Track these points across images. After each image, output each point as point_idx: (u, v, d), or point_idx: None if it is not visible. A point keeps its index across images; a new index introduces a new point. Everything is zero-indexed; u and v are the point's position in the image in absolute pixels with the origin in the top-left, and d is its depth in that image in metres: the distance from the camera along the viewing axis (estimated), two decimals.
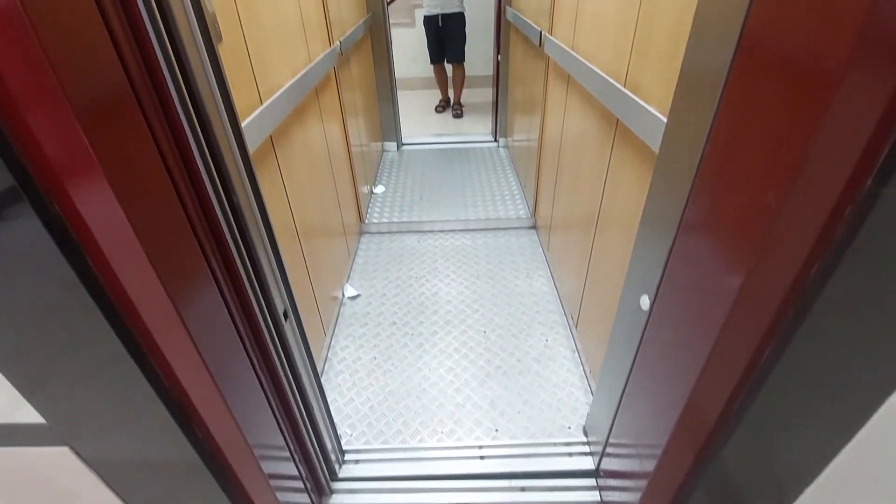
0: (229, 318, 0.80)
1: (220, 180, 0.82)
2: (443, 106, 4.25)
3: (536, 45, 2.00)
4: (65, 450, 0.78)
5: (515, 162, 2.98)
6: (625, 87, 1.09)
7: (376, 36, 2.96)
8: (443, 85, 4.15)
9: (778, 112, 0.51)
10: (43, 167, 0.50)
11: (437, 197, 2.66)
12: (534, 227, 2.40)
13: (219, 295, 0.75)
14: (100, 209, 0.53)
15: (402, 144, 3.42)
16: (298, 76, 1.38)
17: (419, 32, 4.03)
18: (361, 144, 2.50)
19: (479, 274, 2.06)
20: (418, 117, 4.17)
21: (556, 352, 1.65)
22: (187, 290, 0.65)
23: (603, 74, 1.20)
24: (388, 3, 3.10)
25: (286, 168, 1.33)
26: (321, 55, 1.66)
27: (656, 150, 0.85)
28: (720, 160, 0.63)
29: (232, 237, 0.81)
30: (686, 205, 0.72)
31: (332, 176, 1.86)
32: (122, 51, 0.58)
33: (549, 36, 1.80)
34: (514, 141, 3.05)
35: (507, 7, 2.83)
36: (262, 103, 1.13)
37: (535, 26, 2.04)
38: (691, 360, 0.72)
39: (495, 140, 3.44)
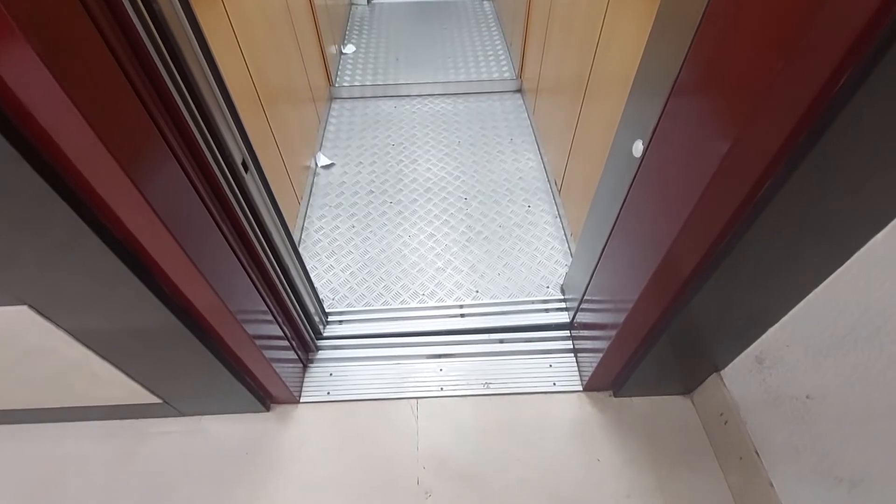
0: (182, 172, 0.71)
1: (152, 21, 0.67)
2: None
3: None
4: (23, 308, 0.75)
5: (501, 17, 2.66)
6: None
7: None
8: None
9: None
10: None
11: (413, 57, 2.40)
12: (519, 90, 2.23)
13: (166, 147, 0.66)
14: (27, 78, 0.46)
15: None
16: None
17: None
18: None
19: (460, 140, 1.95)
20: None
21: (538, 217, 1.63)
22: (133, 150, 0.57)
23: None
24: None
25: (238, 20, 1.13)
26: None
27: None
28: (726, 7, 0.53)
29: (173, 83, 0.68)
30: (687, 52, 0.62)
31: (293, 34, 1.62)
32: None
33: None
34: None
35: None
36: None
37: None
38: (677, 210, 0.68)
39: None
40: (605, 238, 1.01)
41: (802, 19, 0.43)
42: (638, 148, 0.83)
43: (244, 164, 0.85)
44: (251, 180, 0.88)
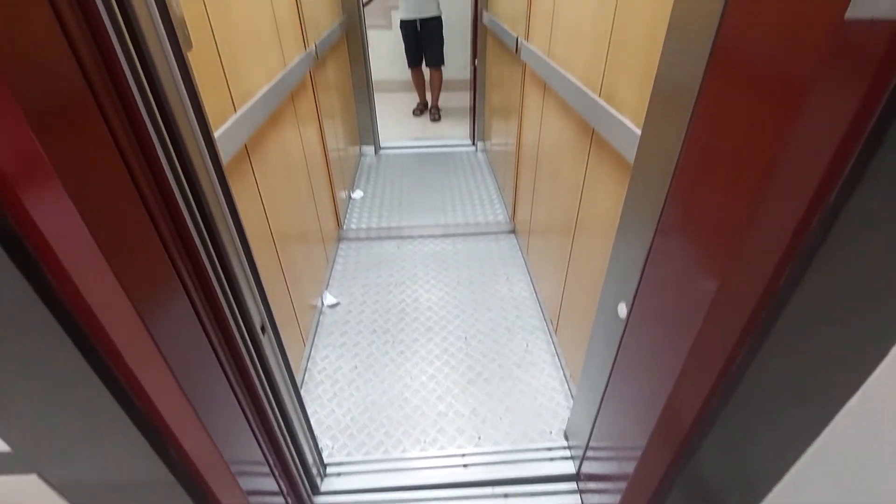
0: (202, 332, 0.78)
1: (191, 192, 0.80)
2: (420, 109, 4.25)
3: (513, 51, 2.02)
4: (33, 477, 0.74)
5: (494, 166, 2.99)
6: (600, 96, 1.10)
7: (352, 38, 2.94)
8: (420, 88, 4.14)
9: (749, 122, 0.53)
10: None
11: (416, 202, 2.65)
12: (513, 231, 2.42)
13: (190, 308, 0.73)
14: (56, 219, 0.50)
15: (380, 149, 3.40)
16: (274, 81, 1.35)
17: (396, 35, 4.01)
18: (339, 149, 2.47)
19: (459, 279, 2.06)
20: (396, 121, 4.15)
21: (536, 357, 1.66)
22: (155, 303, 0.63)
23: (578, 84, 1.22)
24: (364, 5, 3.07)
25: (261, 175, 1.31)
26: (296, 58, 1.63)
27: (632, 161, 0.87)
28: (694, 172, 0.65)
29: (205, 251, 0.79)
30: (661, 215, 0.73)
31: (309, 181, 1.83)
32: (79, 52, 0.56)
33: (525, 42, 1.82)
34: (492, 145, 3.07)
35: (484, 11, 2.85)
36: (235, 110, 1.11)
37: (511, 32, 2.06)
38: (668, 365, 0.73)
39: (473, 144, 3.45)
40: (604, 386, 1.04)
41: (758, 181, 0.51)
42: (622, 309, 0.91)
43: (262, 326, 0.92)
44: (267, 343, 0.93)
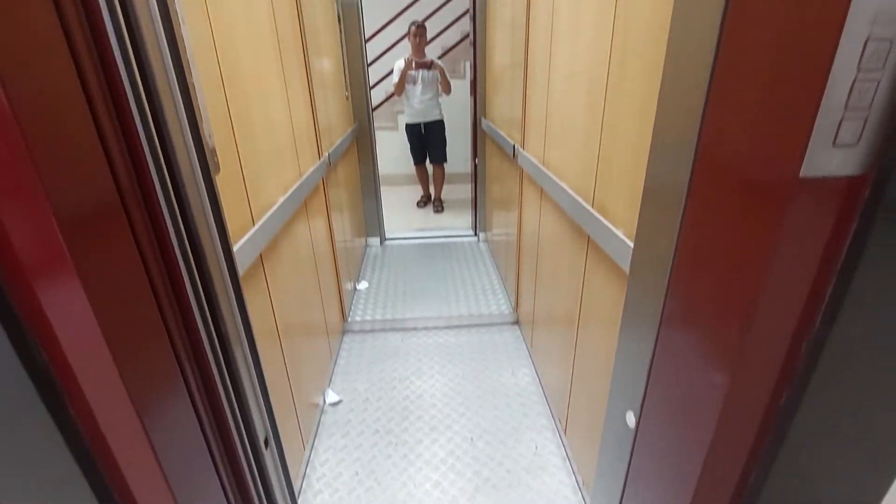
0: (204, 444, 0.77)
1: (207, 303, 0.84)
2: (424, 201, 4.45)
3: (510, 157, 2.18)
4: None
5: (496, 256, 3.08)
6: (592, 207, 1.18)
7: (362, 140, 3.17)
8: (424, 182, 4.38)
9: (736, 232, 0.56)
10: (12, 263, 0.50)
11: (420, 292, 2.69)
12: (516, 322, 2.43)
13: (194, 418, 0.73)
14: (69, 314, 0.52)
15: (386, 239, 3.52)
16: (289, 193, 1.46)
17: (401, 135, 4.34)
18: (346, 240, 2.57)
19: (463, 374, 2.04)
20: (401, 212, 4.33)
21: (546, 460, 1.59)
22: (158, 410, 0.63)
23: (572, 193, 1.31)
24: (373, 110, 3.37)
25: (273, 278, 1.36)
26: (311, 169, 1.77)
27: (627, 271, 0.92)
28: (686, 286, 0.69)
29: (215, 361, 0.81)
30: (661, 319, 0.75)
31: (316, 274, 1.89)
32: (115, 167, 0.62)
33: (521, 150, 1.98)
34: (493, 235, 3.18)
35: (482, 118, 3.11)
36: (254, 224, 1.18)
37: (508, 139, 2.24)
38: (684, 474, 0.71)
39: (475, 234, 3.57)
40: (619, 498, 0.99)
41: (753, 282, 0.53)
42: (631, 419, 0.90)
43: (266, 440, 0.91)
44: (270, 457, 0.92)
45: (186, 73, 0.82)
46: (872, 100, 0.45)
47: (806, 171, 0.48)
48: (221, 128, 1.04)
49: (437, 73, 3.64)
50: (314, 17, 2.02)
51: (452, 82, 3.82)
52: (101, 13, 0.62)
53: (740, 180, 0.55)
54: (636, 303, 0.85)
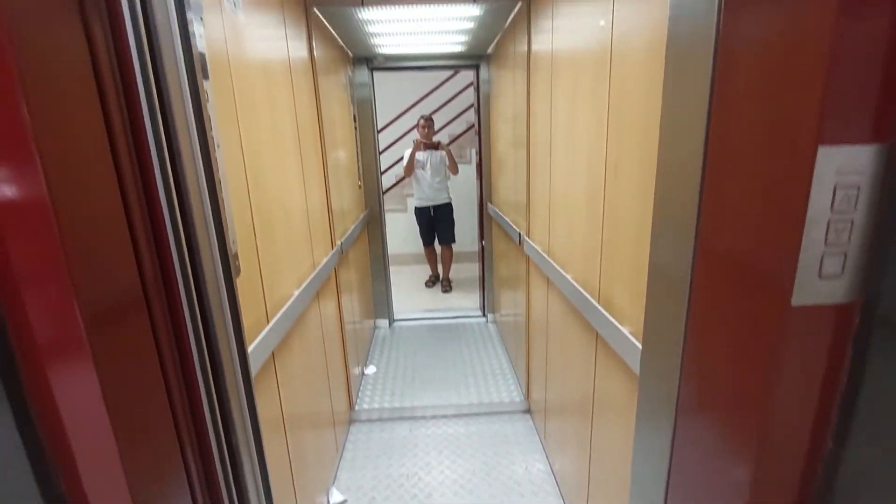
0: None
1: (219, 403, 0.84)
2: (432, 281, 4.51)
3: (516, 243, 2.25)
4: None
5: (505, 338, 3.05)
6: (598, 302, 1.21)
7: (372, 223, 3.30)
8: (433, 262, 4.46)
9: (742, 328, 0.57)
10: (28, 344, 0.52)
11: (428, 378, 2.64)
12: (528, 411, 2.35)
13: None
14: (78, 397, 0.52)
15: (395, 321, 3.53)
16: (304, 286, 1.50)
17: (410, 216, 4.50)
18: (355, 322, 2.58)
19: (474, 468, 1.94)
20: (409, 292, 4.37)
21: None
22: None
23: (578, 287, 1.34)
24: (383, 193, 3.54)
25: (283, 371, 1.36)
26: (325, 259, 1.83)
27: (637, 371, 0.92)
28: (697, 388, 0.68)
29: (220, 461, 0.80)
30: (675, 422, 0.74)
31: (325, 361, 1.88)
32: (143, 266, 0.66)
33: (526, 238, 2.04)
34: (501, 316, 3.18)
35: (488, 203, 3.24)
36: (268, 321, 1.22)
37: (514, 227, 2.32)
38: None
39: (484, 315, 3.57)
40: None
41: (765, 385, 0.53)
42: None
43: None
44: None
45: (218, 188, 0.90)
46: (850, 237, 0.49)
47: (797, 300, 0.51)
48: (244, 231, 1.11)
49: (444, 155, 3.84)
50: (332, 120, 2.21)
51: (459, 167, 4.03)
52: (146, 136, 0.69)
53: (741, 281, 0.58)
54: (649, 404, 0.85)
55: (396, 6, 1.87)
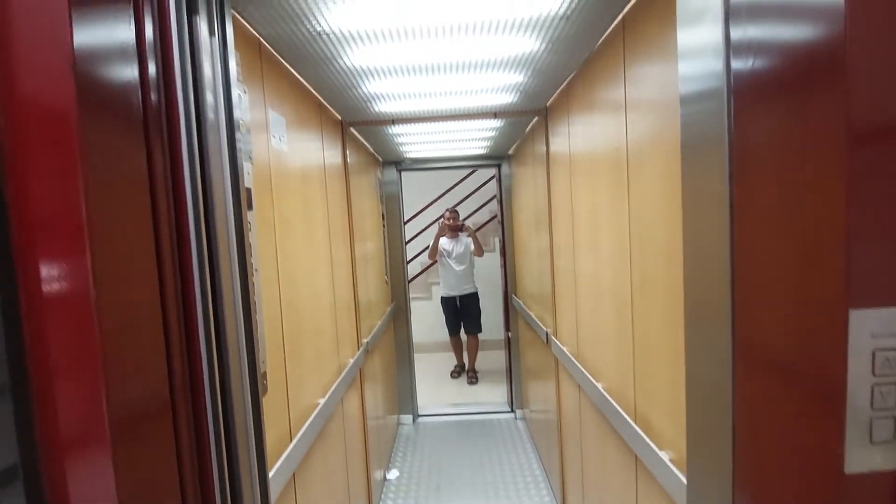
0: None
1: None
2: (458, 371, 4.39)
3: (543, 341, 2.21)
4: None
5: (535, 437, 2.88)
6: (635, 421, 1.14)
7: (398, 315, 3.31)
8: (458, 352, 4.38)
9: (796, 495, 0.52)
10: (53, 442, 0.51)
11: (455, 484, 2.47)
12: None
13: None
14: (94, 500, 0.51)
15: (419, 416, 3.40)
16: (328, 395, 1.49)
17: (435, 304, 4.51)
18: (378, 419, 2.49)
19: None
20: (434, 383, 4.25)
21: None
22: None
23: (612, 401, 1.28)
24: (409, 282, 3.59)
25: (302, 491, 1.31)
26: (350, 362, 1.83)
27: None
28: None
29: None
30: None
31: (345, 468, 1.79)
32: (174, 381, 0.66)
33: (554, 339, 2.00)
34: (531, 412, 3.02)
35: (513, 295, 3.24)
36: (291, 438, 1.19)
37: (540, 324, 2.29)
38: None
39: (512, 410, 3.41)
40: None
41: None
42: None
43: None
44: None
45: (253, 311, 0.94)
46: None
47: (850, 468, 0.47)
48: (274, 348, 1.13)
49: (469, 242, 3.90)
50: (362, 221, 2.33)
51: (484, 253, 4.07)
52: (191, 258, 0.73)
53: (790, 448, 0.54)
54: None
55: (424, 123, 2.04)
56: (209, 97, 0.68)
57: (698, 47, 0.68)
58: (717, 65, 0.62)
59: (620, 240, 1.21)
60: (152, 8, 0.62)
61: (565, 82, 1.65)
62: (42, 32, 0.50)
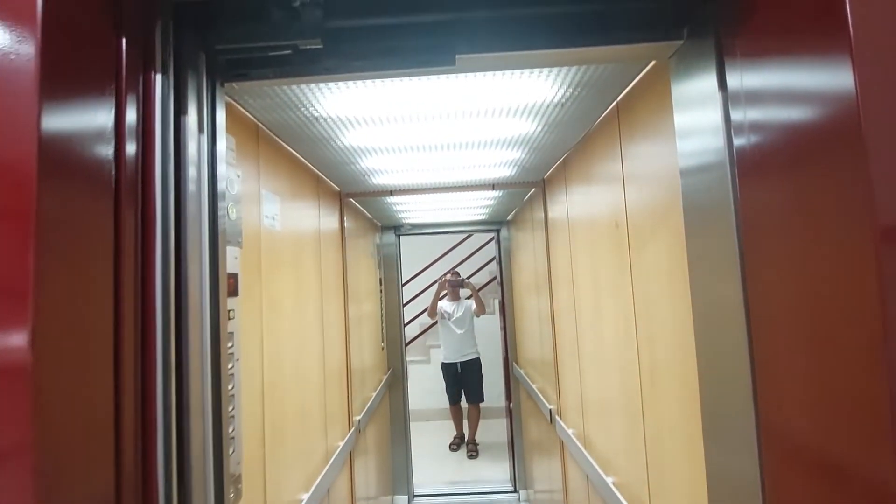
0: None
1: None
2: (457, 443, 4.15)
3: (546, 419, 2.08)
4: None
5: None
6: None
7: (394, 383, 3.16)
8: (458, 422, 4.16)
9: None
10: None
11: None
12: None
13: None
14: None
15: (414, 496, 3.16)
16: (313, 488, 1.36)
17: (434, 368, 4.35)
18: (369, 498, 2.29)
19: None
20: (432, 456, 4.00)
21: None
22: None
23: (623, 502, 1.16)
24: (406, 345, 3.46)
25: None
26: (340, 445, 1.70)
27: None
28: None
29: None
30: None
31: None
32: (122, 487, 0.56)
33: (559, 419, 1.88)
34: (536, 494, 2.80)
35: (514, 363, 3.12)
36: None
37: (543, 400, 2.17)
38: None
39: (515, 489, 3.17)
40: None
41: None
42: None
43: None
44: None
45: (225, 409, 0.85)
46: None
47: None
48: (253, 443, 1.03)
49: (470, 305, 3.81)
50: (358, 288, 2.27)
51: (484, 317, 3.96)
52: (155, 344, 0.65)
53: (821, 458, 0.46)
54: None
55: (422, 195, 2.05)
56: (191, 186, 0.65)
57: (696, 127, 0.70)
58: (717, 141, 0.63)
59: (625, 315, 1.15)
60: (137, 98, 0.59)
61: (563, 157, 1.67)
62: (7, 109, 0.46)
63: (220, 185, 0.72)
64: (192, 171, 0.65)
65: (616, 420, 1.27)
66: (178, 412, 0.72)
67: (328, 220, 1.82)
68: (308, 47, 0.74)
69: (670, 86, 0.78)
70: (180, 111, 0.64)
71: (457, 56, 0.75)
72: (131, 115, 0.56)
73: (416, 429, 3.40)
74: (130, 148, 0.56)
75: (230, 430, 0.92)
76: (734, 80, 0.61)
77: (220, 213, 0.71)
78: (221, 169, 0.74)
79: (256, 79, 0.79)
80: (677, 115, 0.77)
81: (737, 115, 0.60)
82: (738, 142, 0.60)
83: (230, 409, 0.92)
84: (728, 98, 0.62)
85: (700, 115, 0.69)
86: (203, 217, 0.67)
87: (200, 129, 0.68)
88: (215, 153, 0.71)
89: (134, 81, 0.57)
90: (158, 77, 0.59)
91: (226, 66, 0.76)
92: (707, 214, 0.68)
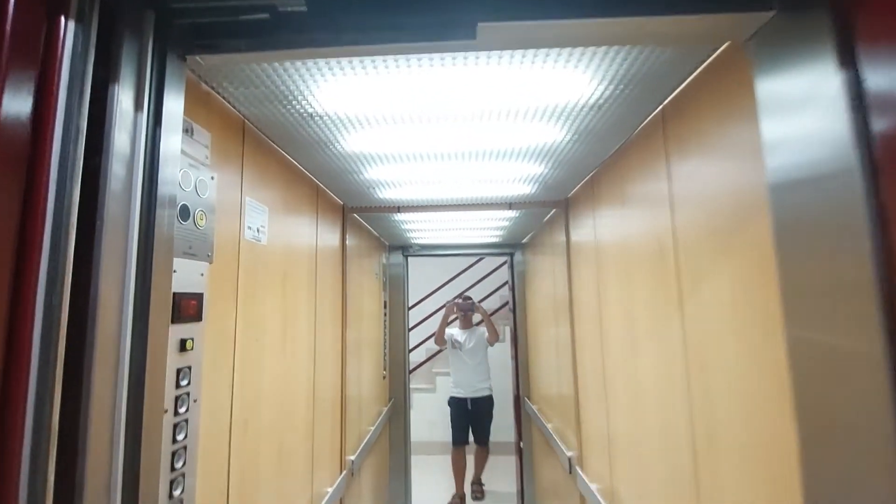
0: None
1: None
2: (457, 502, 3.69)
3: (565, 469, 1.84)
4: None
5: None
6: None
7: (395, 415, 2.92)
8: (460, 475, 3.64)
9: None
10: None
11: None
12: None
13: None
14: None
15: None
16: None
17: (438, 397, 4.10)
18: None
19: None
20: (434, 500, 3.67)
21: None
22: None
23: None
24: (410, 372, 3.22)
25: None
26: (329, 491, 1.49)
27: None
28: None
29: None
30: None
31: None
32: None
33: (579, 470, 1.65)
34: None
35: (526, 399, 2.88)
36: None
37: (560, 445, 1.93)
38: None
39: None
40: None
41: None
42: None
43: None
44: None
45: (151, 472, 0.65)
46: None
47: None
48: (213, 501, 0.84)
49: (484, 332, 3.55)
50: (359, 312, 2.09)
51: (497, 341, 3.68)
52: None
53: None
54: None
55: (432, 212, 1.88)
56: (113, 182, 0.48)
57: (799, 131, 0.54)
58: (840, 146, 0.47)
59: (671, 357, 0.95)
60: (30, 47, 0.43)
61: (590, 175, 1.49)
62: None
63: (164, 185, 0.56)
64: (115, 164, 0.48)
65: (656, 485, 1.06)
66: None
67: (328, 237, 1.66)
68: (289, 9, 0.58)
69: (747, 81, 0.62)
70: (108, 80, 0.48)
71: (479, 25, 0.59)
72: (20, 71, 0.40)
73: (416, 464, 3.13)
74: (13, 109, 0.40)
75: (178, 493, 0.74)
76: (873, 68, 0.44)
77: (159, 219, 0.54)
78: (169, 164, 0.57)
79: (227, 51, 0.63)
80: (765, 118, 0.60)
81: (877, 115, 0.44)
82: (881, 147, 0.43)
83: (179, 465, 0.74)
84: (862, 93, 0.46)
85: (807, 115, 0.52)
86: (132, 222, 0.50)
87: (138, 108, 0.52)
88: (158, 142, 0.54)
89: (31, 24, 0.41)
90: (71, 25, 0.43)
91: (187, 33, 0.60)
92: (820, 237, 0.50)
